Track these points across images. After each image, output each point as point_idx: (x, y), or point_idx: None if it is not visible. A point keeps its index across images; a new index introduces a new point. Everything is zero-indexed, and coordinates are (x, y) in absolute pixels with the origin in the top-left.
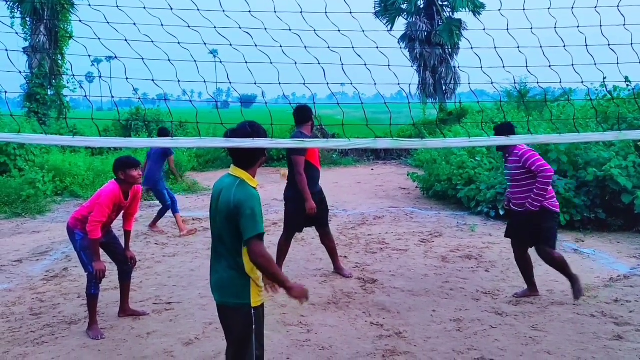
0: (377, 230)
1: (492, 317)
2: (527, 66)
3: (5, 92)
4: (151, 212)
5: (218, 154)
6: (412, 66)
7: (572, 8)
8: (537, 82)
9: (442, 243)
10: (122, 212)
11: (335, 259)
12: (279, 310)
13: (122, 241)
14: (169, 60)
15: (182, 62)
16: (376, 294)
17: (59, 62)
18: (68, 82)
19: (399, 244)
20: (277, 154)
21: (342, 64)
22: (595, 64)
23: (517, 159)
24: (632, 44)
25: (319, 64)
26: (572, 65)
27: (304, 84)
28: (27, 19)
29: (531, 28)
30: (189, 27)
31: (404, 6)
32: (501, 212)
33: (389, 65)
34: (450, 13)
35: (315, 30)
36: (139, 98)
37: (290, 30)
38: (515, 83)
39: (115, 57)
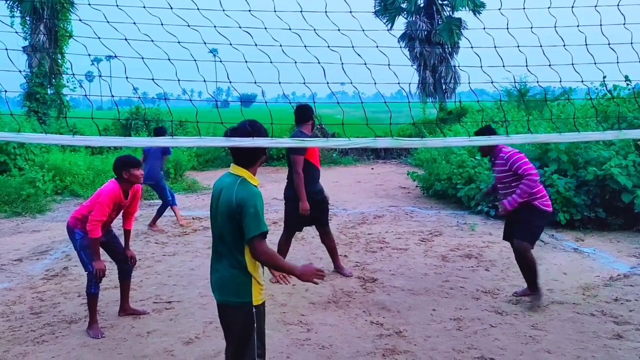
0: (377, 229)
1: (492, 316)
2: (527, 65)
3: (5, 91)
4: (151, 211)
5: (218, 153)
6: (412, 65)
7: (572, 7)
8: (537, 81)
9: (442, 242)
10: (122, 211)
11: (335, 258)
12: (279, 310)
13: (122, 240)
14: (169, 59)
15: (182, 61)
16: (376, 293)
17: (59, 61)
18: (68, 81)
19: (399, 243)
20: (277, 153)
21: (342, 63)
22: (595, 63)
23: (503, 162)
24: (632, 43)
25: (319, 63)
26: (572, 64)
27: (304, 83)
28: (27, 18)
29: (531, 27)
30: (188, 26)
31: (403, 5)
32: (492, 213)
33: (388, 65)
34: (450, 12)
35: (315, 30)
36: (139, 97)
37: (290, 29)
38: (515, 82)
39: (115, 57)
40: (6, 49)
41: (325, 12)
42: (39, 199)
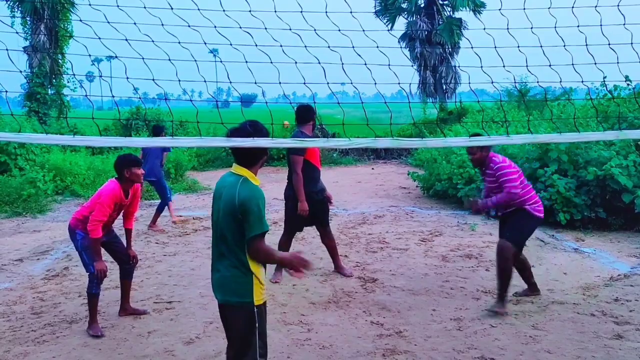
0: (377, 230)
1: (492, 316)
2: (527, 65)
3: (6, 91)
4: (151, 211)
5: (218, 154)
6: (412, 65)
7: (572, 8)
8: (538, 82)
9: (442, 242)
10: (123, 210)
11: (335, 258)
12: (279, 309)
13: (124, 240)
14: (169, 59)
15: (183, 61)
16: (376, 293)
17: (59, 61)
18: (68, 82)
19: (399, 243)
20: (277, 153)
21: (342, 64)
22: (595, 64)
23: (492, 172)
24: (632, 43)
25: (319, 63)
26: (573, 64)
27: (304, 83)
28: (27, 18)
29: (531, 27)
30: (189, 26)
31: (404, 5)
32: (492, 213)
33: (389, 65)
34: (451, 12)
35: (315, 30)
36: (139, 97)
37: (290, 29)
38: (515, 82)
39: (116, 57)
40: (7, 49)
41: (326, 12)
42: (39, 199)
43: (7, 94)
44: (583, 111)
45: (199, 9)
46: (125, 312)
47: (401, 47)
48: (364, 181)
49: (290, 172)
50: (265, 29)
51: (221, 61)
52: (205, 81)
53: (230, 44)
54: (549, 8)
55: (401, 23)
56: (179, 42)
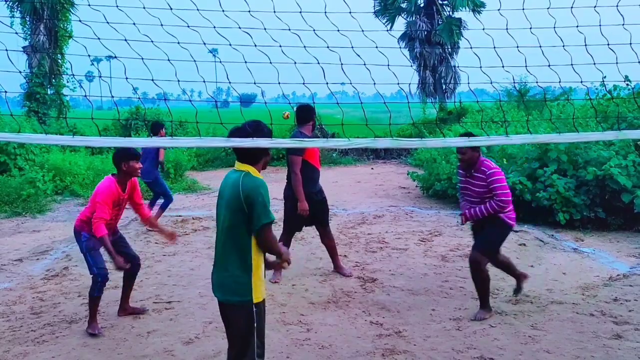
0: (376, 230)
1: (492, 316)
2: (526, 66)
3: (5, 91)
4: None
5: (218, 154)
6: (411, 65)
7: (572, 8)
8: (537, 82)
9: (441, 242)
10: (127, 205)
11: (335, 258)
12: (278, 309)
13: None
14: (169, 59)
15: (182, 61)
16: (376, 293)
17: (59, 61)
18: (68, 82)
19: (399, 243)
20: (277, 153)
21: (342, 64)
22: (594, 64)
23: (484, 177)
24: (631, 43)
25: (319, 63)
26: (572, 64)
27: (304, 83)
28: (27, 18)
29: (530, 28)
30: (188, 26)
31: (403, 5)
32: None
33: (388, 65)
34: (450, 12)
35: (314, 30)
36: (139, 97)
37: (289, 30)
38: (514, 82)
39: (115, 57)
40: (6, 50)
41: (325, 12)
42: (39, 199)
43: (7, 94)
44: (582, 111)
45: (198, 9)
46: (125, 312)
47: (400, 47)
48: (363, 181)
49: (290, 172)
50: (265, 29)
51: (220, 61)
52: (204, 81)
53: (230, 44)
54: (548, 8)
55: (400, 23)
56: (179, 42)
